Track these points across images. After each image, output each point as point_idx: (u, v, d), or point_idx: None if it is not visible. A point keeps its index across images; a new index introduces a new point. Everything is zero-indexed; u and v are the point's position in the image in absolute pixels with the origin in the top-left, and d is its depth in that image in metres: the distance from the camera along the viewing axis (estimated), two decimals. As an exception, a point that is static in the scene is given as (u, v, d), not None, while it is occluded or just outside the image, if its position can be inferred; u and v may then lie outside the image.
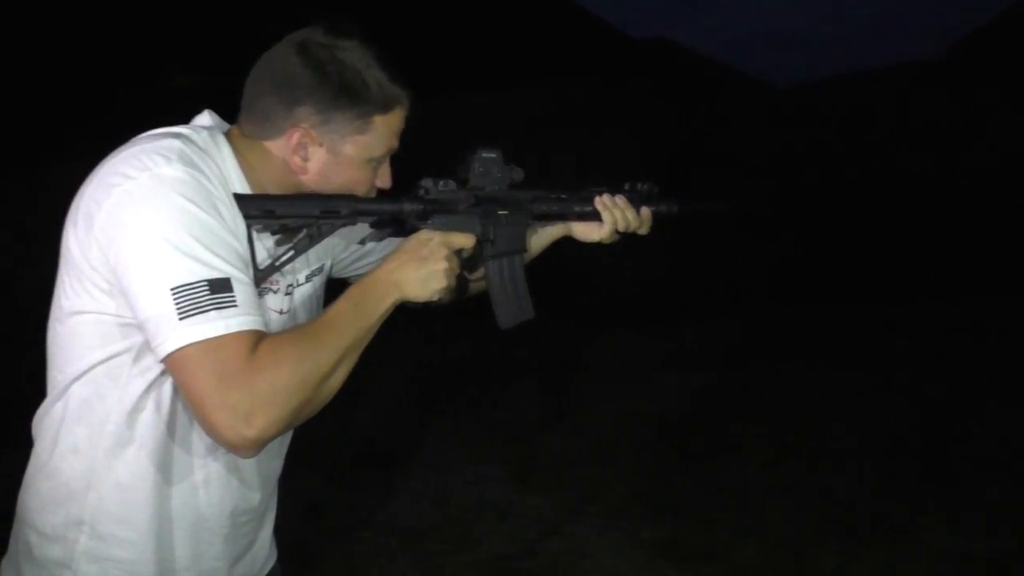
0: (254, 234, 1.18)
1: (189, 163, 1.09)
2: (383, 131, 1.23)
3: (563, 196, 1.45)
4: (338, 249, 1.45)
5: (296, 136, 1.19)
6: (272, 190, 1.23)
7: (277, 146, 1.21)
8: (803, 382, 5.04)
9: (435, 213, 1.30)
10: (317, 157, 1.21)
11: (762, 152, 10.13)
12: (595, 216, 1.46)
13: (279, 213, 1.19)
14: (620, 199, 1.47)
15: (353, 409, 4.81)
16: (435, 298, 1.23)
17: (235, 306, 1.05)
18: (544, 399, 4.99)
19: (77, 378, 1.16)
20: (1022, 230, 8.20)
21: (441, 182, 1.31)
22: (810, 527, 3.36)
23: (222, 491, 1.24)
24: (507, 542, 3.39)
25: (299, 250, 1.22)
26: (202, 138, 1.17)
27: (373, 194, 1.28)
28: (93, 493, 1.17)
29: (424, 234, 1.25)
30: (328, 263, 1.42)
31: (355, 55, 1.19)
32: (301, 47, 1.18)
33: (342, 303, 1.17)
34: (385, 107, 1.21)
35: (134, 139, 1.15)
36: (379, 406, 4.92)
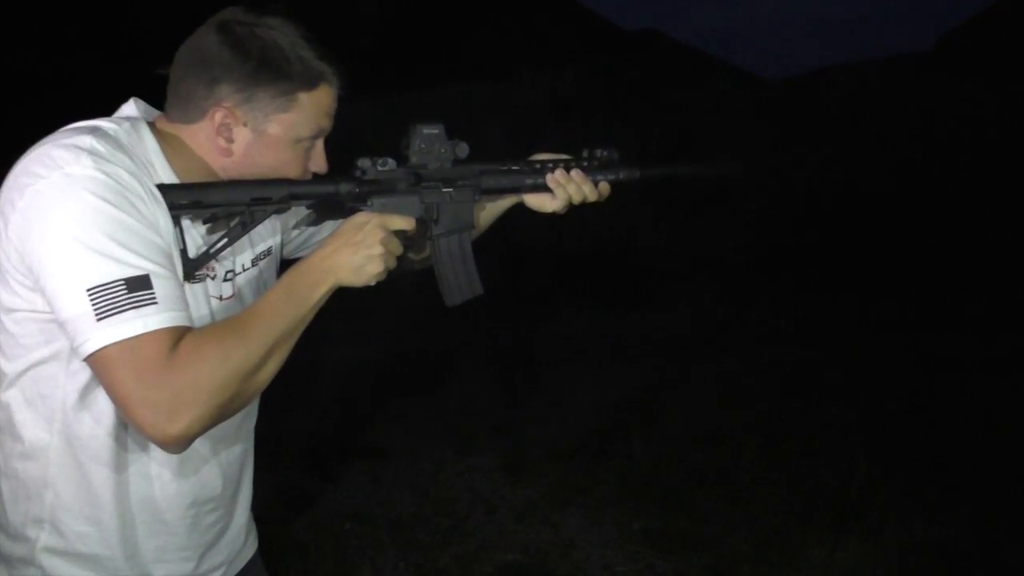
0: (184, 223, 1.15)
1: (100, 158, 1.06)
2: (309, 109, 1.19)
3: (514, 168, 1.40)
4: (286, 228, 1.42)
5: (218, 116, 1.16)
6: (200, 178, 1.19)
7: (201, 129, 1.18)
8: (791, 372, 5.05)
9: (374, 194, 1.26)
10: (241, 138, 1.18)
11: (751, 144, 10.14)
12: (549, 188, 1.42)
13: (207, 202, 1.15)
14: (576, 174, 1.42)
15: (341, 401, 4.81)
16: (372, 283, 1.20)
17: (154, 303, 1.03)
18: (533, 389, 4.99)
19: (20, 376, 1.15)
20: (1014, 222, 8.24)
21: (380, 161, 1.27)
22: (798, 517, 3.38)
23: (178, 482, 1.23)
24: (497, 534, 3.40)
25: (232, 238, 1.19)
26: (123, 130, 1.14)
27: (307, 177, 1.25)
28: (49, 490, 1.17)
29: (360, 217, 1.21)
30: (276, 244, 1.38)
31: (278, 32, 1.16)
32: (221, 26, 1.16)
33: (273, 292, 1.14)
34: (310, 83, 1.18)
35: (49, 136, 1.11)
36: (367, 398, 4.91)
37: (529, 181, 1.41)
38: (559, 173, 1.41)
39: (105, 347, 1.01)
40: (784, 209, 9.01)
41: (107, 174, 1.05)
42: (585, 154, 1.46)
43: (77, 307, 1.02)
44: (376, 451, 4.19)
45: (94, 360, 1.03)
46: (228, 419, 1.11)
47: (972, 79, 11.29)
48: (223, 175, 1.20)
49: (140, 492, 1.20)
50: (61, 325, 1.05)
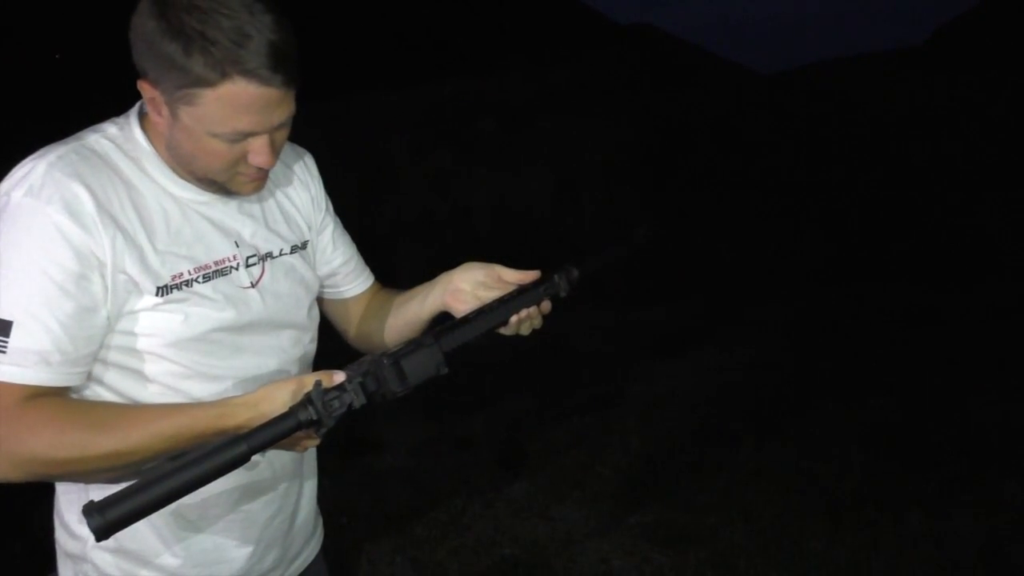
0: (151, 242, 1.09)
1: (40, 187, 1.03)
2: (216, 107, 1.03)
3: (467, 320, 1.21)
4: (317, 220, 1.36)
5: (146, 90, 1.07)
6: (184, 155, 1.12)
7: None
8: (787, 366, 5.06)
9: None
10: (165, 116, 1.08)
11: (744, 138, 10.15)
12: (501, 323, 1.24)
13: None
14: (527, 311, 1.25)
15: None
16: (273, 413, 1.02)
17: (3, 353, 1.01)
18: (530, 385, 4.99)
19: None
20: (1008, 214, 8.27)
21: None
22: (795, 511, 3.39)
23: (223, 480, 1.17)
24: (494, 528, 3.40)
25: None
26: (110, 134, 1.12)
27: (244, 170, 1.12)
28: (94, 488, 1.17)
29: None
30: (312, 239, 1.34)
31: (201, 15, 1.00)
32: None
33: (168, 417, 1.05)
34: (212, 79, 1.01)
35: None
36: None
37: (486, 324, 1.21)
38: (513, 319, 1.24)
39: None
40: (776, 202, 9.03)
41: (44, 201, 1.02)
42: (530, 286, 1.28)
43: None
44: (372, 445, 4.19)
45: None
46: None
47: (964, 74, 11.32)
48: (168, 153, 1.13)
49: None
50: None
